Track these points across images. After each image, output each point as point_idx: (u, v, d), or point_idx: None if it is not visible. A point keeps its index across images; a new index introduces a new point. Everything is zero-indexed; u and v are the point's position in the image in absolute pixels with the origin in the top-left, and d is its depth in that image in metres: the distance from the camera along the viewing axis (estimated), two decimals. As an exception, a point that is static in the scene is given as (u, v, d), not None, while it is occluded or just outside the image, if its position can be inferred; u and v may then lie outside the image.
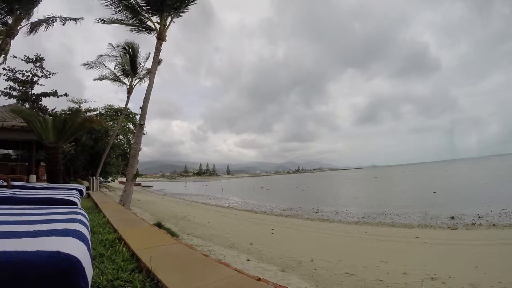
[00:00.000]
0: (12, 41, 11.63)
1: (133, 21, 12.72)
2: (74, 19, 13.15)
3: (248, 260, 6.91)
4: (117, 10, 12.03)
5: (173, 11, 12.11)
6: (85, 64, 20.52)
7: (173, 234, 7.29)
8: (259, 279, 2.14)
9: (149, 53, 19.72)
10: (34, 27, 12.79)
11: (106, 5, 11.80)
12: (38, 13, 12.85)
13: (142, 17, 12.54)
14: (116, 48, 19.85)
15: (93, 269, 1.29)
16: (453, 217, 14.37)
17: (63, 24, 13.08)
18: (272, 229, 11.69)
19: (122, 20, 12.72)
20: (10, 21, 11.59)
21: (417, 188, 35.86)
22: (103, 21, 13.02)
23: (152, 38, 12.74)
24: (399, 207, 19.18)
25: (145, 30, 13.19)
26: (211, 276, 2.10)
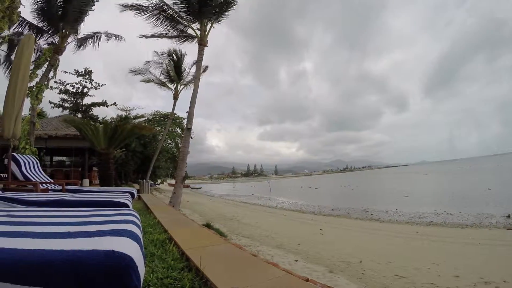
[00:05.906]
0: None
1: (174, 31, 13.25)
2: (117, 37, 13.92)
3: (296, 260, 6.86)
4: (157, 23, 12.62)
5: (213, 17, 12.41)
6: (132, 71, 21.63)
7: (221, 234, 7.43)
8: (307, 280, 2.09)
9: (183, 53, 20.42)
10: (81, 43, 13.75)
11: (146, 19, 12.46)
12: (85, 27, 13.85)
13: (181, 26, 13.01)
14: (161, 56, 20.71)
15: (145, 267, 1.33)
16: (509, 216, 13.26)
17: (107, 40, 13.92)
18: (321, 229, 11.50)
19: (164, 34, 13.33)
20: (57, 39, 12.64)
21: (471, 185, 33.46)
22: (145, 36, 13.75)
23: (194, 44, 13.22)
24: (452, 205, 17.99)
25: (186, 39, 13.70)
26: (260, 276, 2.08)
